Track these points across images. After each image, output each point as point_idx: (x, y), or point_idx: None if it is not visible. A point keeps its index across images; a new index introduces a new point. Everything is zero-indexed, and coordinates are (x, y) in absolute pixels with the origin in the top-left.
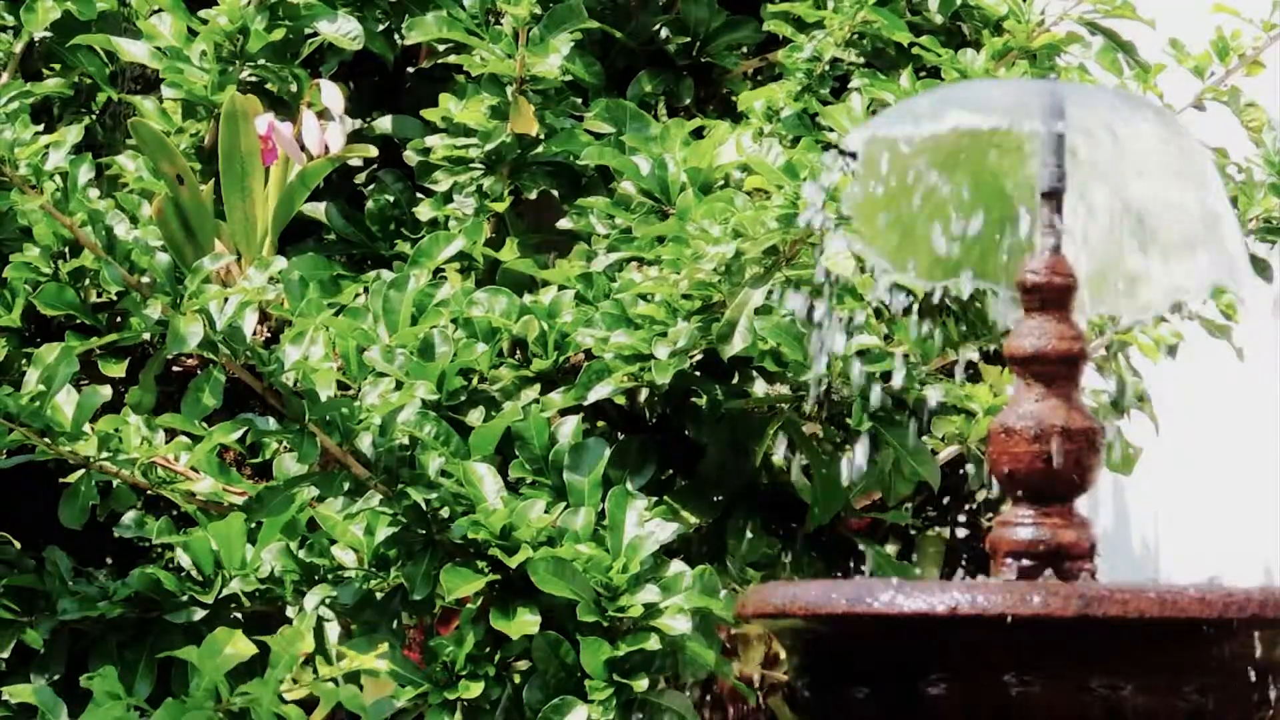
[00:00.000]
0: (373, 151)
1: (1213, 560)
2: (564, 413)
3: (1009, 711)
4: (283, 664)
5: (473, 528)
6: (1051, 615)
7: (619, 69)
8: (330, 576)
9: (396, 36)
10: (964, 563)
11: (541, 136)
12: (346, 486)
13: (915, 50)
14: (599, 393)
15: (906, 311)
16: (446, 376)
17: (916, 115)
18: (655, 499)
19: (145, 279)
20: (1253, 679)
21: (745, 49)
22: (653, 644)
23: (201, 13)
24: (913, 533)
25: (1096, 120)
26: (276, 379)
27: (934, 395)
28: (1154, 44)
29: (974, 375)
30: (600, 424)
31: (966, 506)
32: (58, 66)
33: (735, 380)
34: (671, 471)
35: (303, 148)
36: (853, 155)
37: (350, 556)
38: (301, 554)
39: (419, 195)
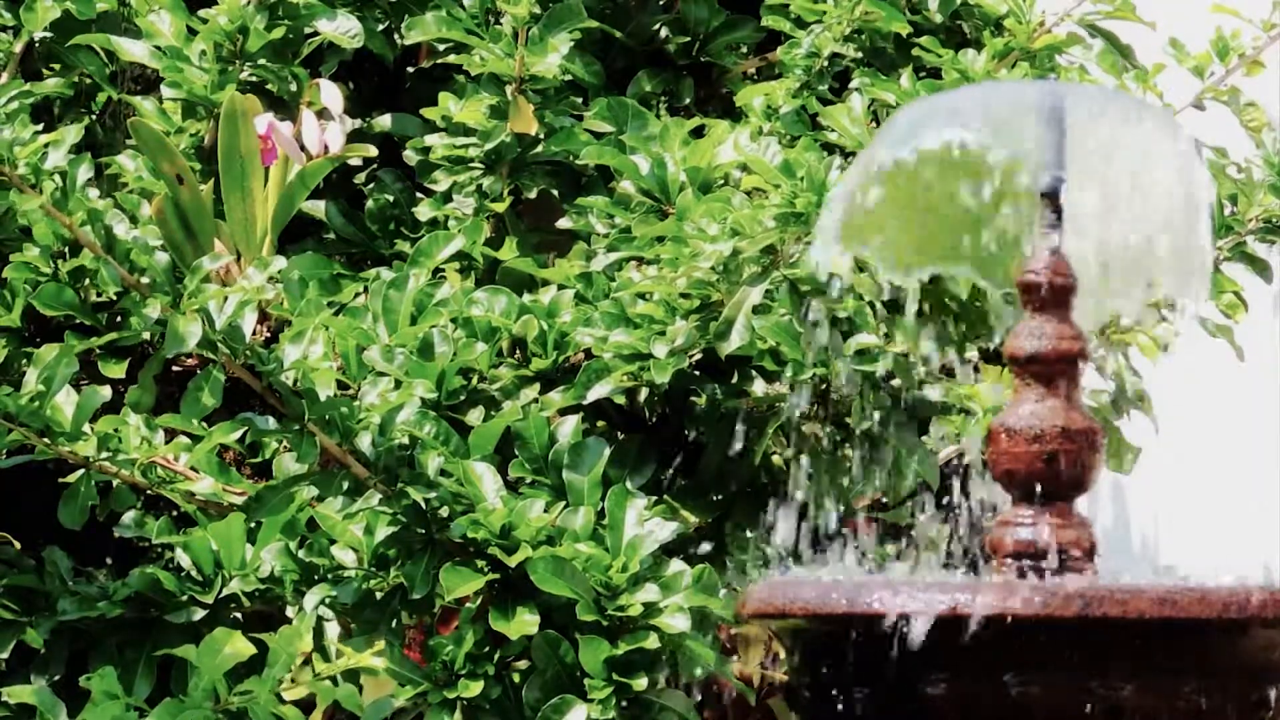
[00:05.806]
0: (372, 151)
1: (1212, 560)
2: (563, 412)
3: (1009, 711)
4: (281, 662)
5: (472, 527)
6: (1051, 615)
7: (619, 69)
8: (330, 576)
9: (396, 36)
10: (964, 563)
11: (541, 136)
12: (346, 486)
13: (915, 51)
14: (598, 392)
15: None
16: (446, 376)
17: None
18: (655, 498)
19: (144, 278)
20: (1253, 679)
21: (745, 49)
22: (652, 643)
23: (201, 12)
24: (912, 532)
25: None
26: (276, 378)
27: (934, 395)
28: (1155, 44)
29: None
30: (600, 423)
31: (966, 506)
32: (58, 66)
33: (734, 379)
34: (671, 471)
35: (302, 147)
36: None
37: (350, 556)
38: (301, 554)
39: (419, 195)
